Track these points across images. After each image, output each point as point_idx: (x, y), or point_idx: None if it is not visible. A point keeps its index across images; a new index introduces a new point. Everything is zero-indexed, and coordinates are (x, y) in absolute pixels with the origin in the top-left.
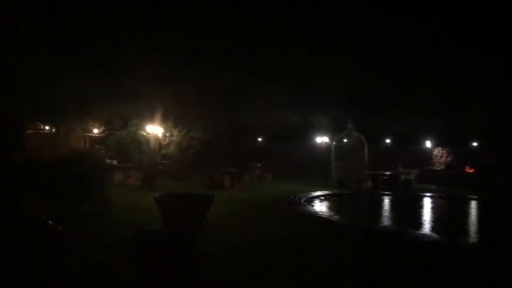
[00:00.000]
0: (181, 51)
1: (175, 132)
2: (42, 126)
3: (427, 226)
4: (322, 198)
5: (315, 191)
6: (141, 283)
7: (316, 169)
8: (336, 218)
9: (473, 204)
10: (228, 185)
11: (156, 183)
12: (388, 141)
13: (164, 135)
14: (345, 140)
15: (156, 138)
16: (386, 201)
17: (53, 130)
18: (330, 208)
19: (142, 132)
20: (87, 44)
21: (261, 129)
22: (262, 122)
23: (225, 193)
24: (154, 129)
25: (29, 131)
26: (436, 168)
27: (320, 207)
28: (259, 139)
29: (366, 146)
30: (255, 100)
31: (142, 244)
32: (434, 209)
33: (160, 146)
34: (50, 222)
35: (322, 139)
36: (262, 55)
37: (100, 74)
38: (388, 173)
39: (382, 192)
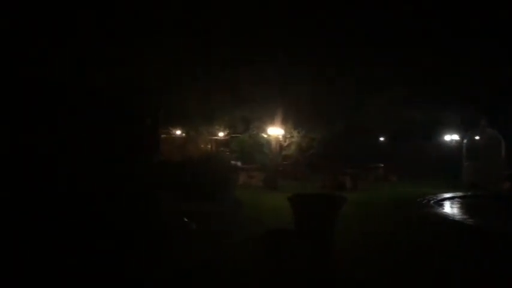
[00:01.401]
0: (298, 53)
1: (295, 134)
2: (173, 131)
3: None
4: (453, 200)
5: (445, 192)
6: (273, 280)
7: (445, 169)
8: (470, 221)
9: None
10: (350, 186)
11: (277, 184)
12: None
13: (284, 137)
14: (478, 137)
15: (277, 139)
16: None
17: (183, 134)
18: (462, 211)
19: (263, 135)
20: (212, 52)
21: (384, 127)
22: (384, 120)
23: (347, 194)
24: (275, 131)
25: (162, 136)
26: None
27: (451, 209)
28: (382, 138)
29: (502, 143)
30: (377, 97)
31: (274, 242)
32: None
33: (281, 147)
34: (185, 220)
35: (451, 137)
36: (382, 52)
37: (225, 80)
38: None
39: None
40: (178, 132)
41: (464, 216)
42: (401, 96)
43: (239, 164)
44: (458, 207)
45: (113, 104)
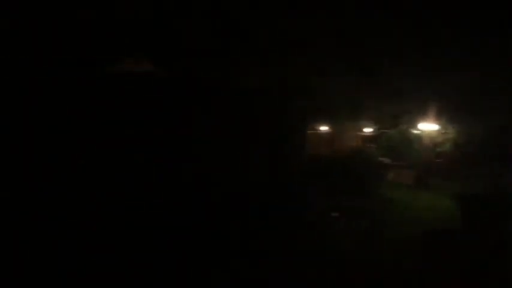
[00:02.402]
0: (453, 41)
1: (450, 129)
2: (319, 127)
3: None
4: None
5: None
6: (431, 281)
7: None
8: None
9: None
10: None
11: (430, 182)
12: None
13: (439, 132)
14: None
15: (430, 135)
16: None
17: (329, 130)
18: None
19: (413, 130)
20: (361, 49)
21: None
22: None
23: None
24: (427, 127)
25: (309, 132)
26: None
27: None
28: None
29: None
30: None
31: (436, 243)
32: None
33: (435, 143)
34: (334, 215)
35: None
36: None
37: (373, 73)
38: None
39: None
40: (324, 128)
41: None
42: None
43: (387, 160)
44: None
45: (270, 103)
